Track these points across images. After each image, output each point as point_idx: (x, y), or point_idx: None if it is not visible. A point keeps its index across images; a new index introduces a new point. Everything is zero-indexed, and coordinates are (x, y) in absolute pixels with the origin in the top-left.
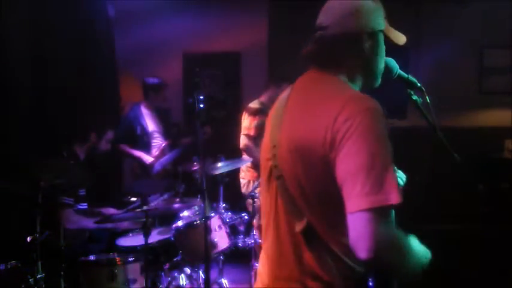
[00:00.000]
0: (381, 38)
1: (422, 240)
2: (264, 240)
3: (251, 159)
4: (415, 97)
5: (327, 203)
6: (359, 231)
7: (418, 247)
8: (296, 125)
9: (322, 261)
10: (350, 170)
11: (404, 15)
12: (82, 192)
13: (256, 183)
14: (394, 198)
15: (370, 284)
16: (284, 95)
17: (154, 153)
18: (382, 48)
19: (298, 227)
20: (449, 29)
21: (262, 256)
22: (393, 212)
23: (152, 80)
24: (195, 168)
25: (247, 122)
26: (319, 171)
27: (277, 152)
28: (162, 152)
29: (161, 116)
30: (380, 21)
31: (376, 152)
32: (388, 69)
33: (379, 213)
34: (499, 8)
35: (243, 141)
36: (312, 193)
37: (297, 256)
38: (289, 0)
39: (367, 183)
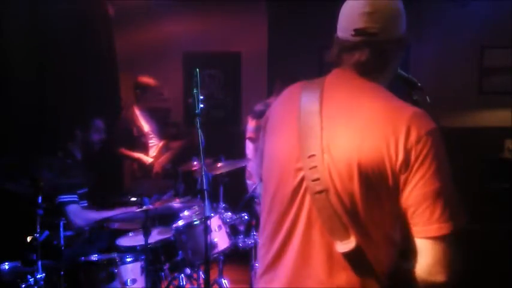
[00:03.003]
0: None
1: None
2: (277, 250)
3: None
4: (415, 97)
5: (378, 223)
6: (439, 256)
7: None
8: (352, 135)
9: (360, 281)
10: (427, 195)
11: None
12: (81, 191)
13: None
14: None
15: None
16: (309, 95)
17: (152, 153)
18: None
19: (343, 247)
20: (450, 29)
21: (273, 266)
22: None
23: (140, 80)
24: (195, 168)
25: (251, 125)
26: (380, 189)
27: (319, 163)
28: (160, 152)
29: (160, 116)
30: (401, 31)
31: (448, 176)
32: None
33: (455, 237)
34: (499, 8)
35: (248, 146)
36: (365, 212)
37: (331, 275)
38: (289, 0)
39: (447, 208)
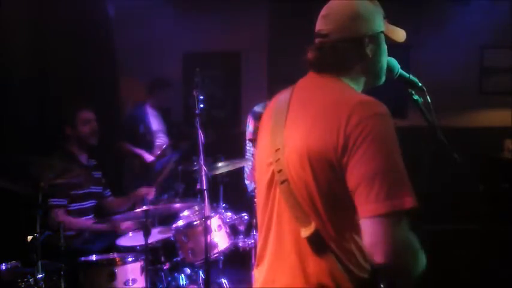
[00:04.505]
0: (382, 38)
1: (422, 240)
2: (261, 246)
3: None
4: (415, 97)
5: (335, 208)
6: (376, 236)
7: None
8: (303, 128)
9: (328, 269)
10: (365, 175)
11: (404, 15)
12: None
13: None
14: (410, 202)
15: None
16: (283, 97)
17: (156, 152)
18: (384, 48)
19: (305, 232)
20: (449, 29)
21: (260, 262)
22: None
23: (158, 79)
24: (195, 168)
25: (251, 127)
26: (329, 176)
27: (281, 156)
28: (164, 152)
29: (162, 115)
30: (380, 23)
31: (389, 156)
32: (389, 68)
33: (395, 217)
34: (499, 8)
35: (249, 148)
36: (320, 198)
37: (301, 263)
38: (290, 0)
39: (383, 188)
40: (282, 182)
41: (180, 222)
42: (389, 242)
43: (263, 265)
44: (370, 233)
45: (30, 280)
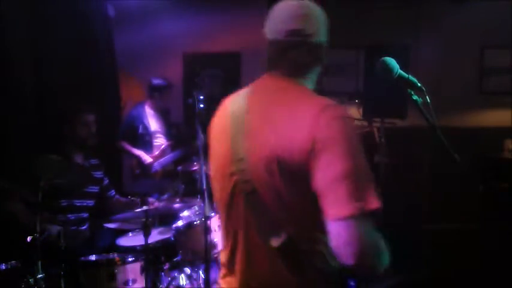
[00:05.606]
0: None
1: (422, 240)
2: (228, 256)
3: None
4: (415, 97)
5: (305, 211)
6: (344, 238)
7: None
8: (268, 134)
9: (300, 273)
10: (330, 178)
11: (404, 15)
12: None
13: None
14: (375, 203)
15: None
16: (237, 102)
17: (155, 153)
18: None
19: (276, 242)
20: (450, 29)
21: (228, 272)
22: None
23: (158, 81)
24: (195, 168)
25: None
26: (298, 180)
27: (246, 165)
28: (163, 153)
29: (162, 116)
30: (326, 35)
31: (354, 159)
32: (388, 69)
33: (361, 219)
34: (499, 8)
35: None
36: (291, 203)
37: (274, 271)
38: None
39: (348, 190)
40: (249, 193)
41: (180, 222)
42: (356, 243)
43: (234, 275)
44: (336, 236)
45: (30, 280)
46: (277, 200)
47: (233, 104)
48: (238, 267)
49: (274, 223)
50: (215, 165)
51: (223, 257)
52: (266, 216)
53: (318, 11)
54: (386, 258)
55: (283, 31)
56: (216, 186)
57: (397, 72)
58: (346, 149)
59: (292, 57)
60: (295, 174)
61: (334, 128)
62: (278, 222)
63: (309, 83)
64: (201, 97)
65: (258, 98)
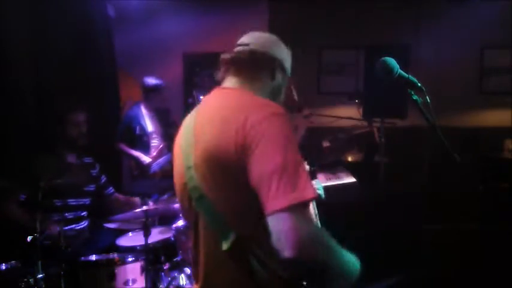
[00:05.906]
0: (286, 79)
1: (422, 240)
2: (194, 263)
3: None
4: (415, 97)
5: (252, 211)
6: (280, 231)
7: (345, 252)
8: (208, 140)
9: (253, 276)
10: (263, 173)
11: (404, 15)
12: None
13: None
14: (310, 193)
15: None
16: (190, 115)
17: (152, 153)
18: (284, 86)
19: (226, 244)
20: (449, 29)
21: (197, 279)
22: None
23: (151, 82)
24: None
25: None
26: (240, 180)
27: (193, 172)
28: (160, 153)
29: (160, 116)
30: (289, 67)
31: (285, 152)
32: (388, 69)
33: (297, 210)
34: (499, 8)
35: None
36: (237, 203)
37: (229, 279)
38: (289, 1)
39: (281, 183)
40: (199, 199)
41: (180, 222)
42: (294, 234)
43: (198, 285)
44: (275, 229)
45: (30, 280)
46: (223, 201)
47: (186, 119)
48: (200, 275)
49: (224, 225)
50: (175, 181)
51: (193, 265)
52: (216, 219)
53: (274, 38)
54: (338, 255)
55: (244, 41)
56: (178, 197)
57: (397, 72)
58: (277, 144)
59: (237, 66)
60: (235, 174)
61: (264, 124)
62: (227, 223)
63: (259, 91)
64: (201, 97)
65: (204, 108)
